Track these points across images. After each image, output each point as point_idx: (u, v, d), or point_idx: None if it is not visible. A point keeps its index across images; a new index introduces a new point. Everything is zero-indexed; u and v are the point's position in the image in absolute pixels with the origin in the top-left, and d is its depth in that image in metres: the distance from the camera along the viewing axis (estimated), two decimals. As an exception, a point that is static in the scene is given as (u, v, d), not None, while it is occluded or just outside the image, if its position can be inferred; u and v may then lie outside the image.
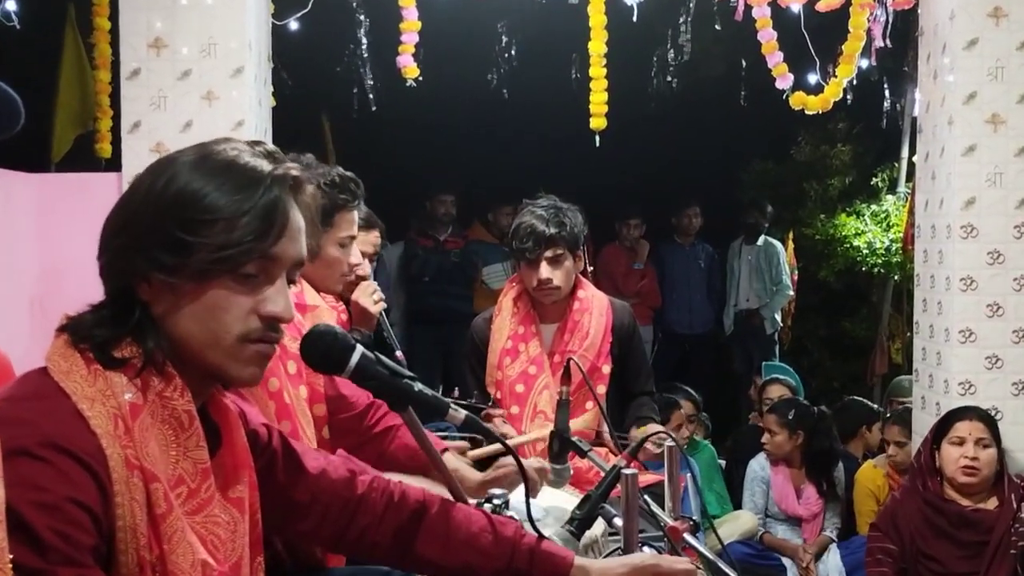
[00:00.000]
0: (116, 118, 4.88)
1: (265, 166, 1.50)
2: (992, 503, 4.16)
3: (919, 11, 5.13)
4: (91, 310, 1.48)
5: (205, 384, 1.53)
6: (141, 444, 1.37)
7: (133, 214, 1.47)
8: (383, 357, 1.74)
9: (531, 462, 2.67)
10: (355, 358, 1.70)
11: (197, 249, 1.42)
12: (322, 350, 1.71)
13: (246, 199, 1.45)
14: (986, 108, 4.66)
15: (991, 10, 4.63)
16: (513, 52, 8.22)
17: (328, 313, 2.92)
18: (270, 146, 1.56)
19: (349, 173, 2.96)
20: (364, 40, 6.53)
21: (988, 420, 4.26)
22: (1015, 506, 4.12)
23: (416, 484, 1.94)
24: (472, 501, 2.06)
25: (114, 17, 4.80)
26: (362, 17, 6.19)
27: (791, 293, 8.77)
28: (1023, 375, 4.64)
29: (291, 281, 1.55)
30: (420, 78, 5.44)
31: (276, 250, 1.48)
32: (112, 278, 1.48)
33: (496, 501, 2.08)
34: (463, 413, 1.79)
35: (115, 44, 4.81)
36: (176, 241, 1.42)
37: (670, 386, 6.28)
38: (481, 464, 2.97)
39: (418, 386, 1.74)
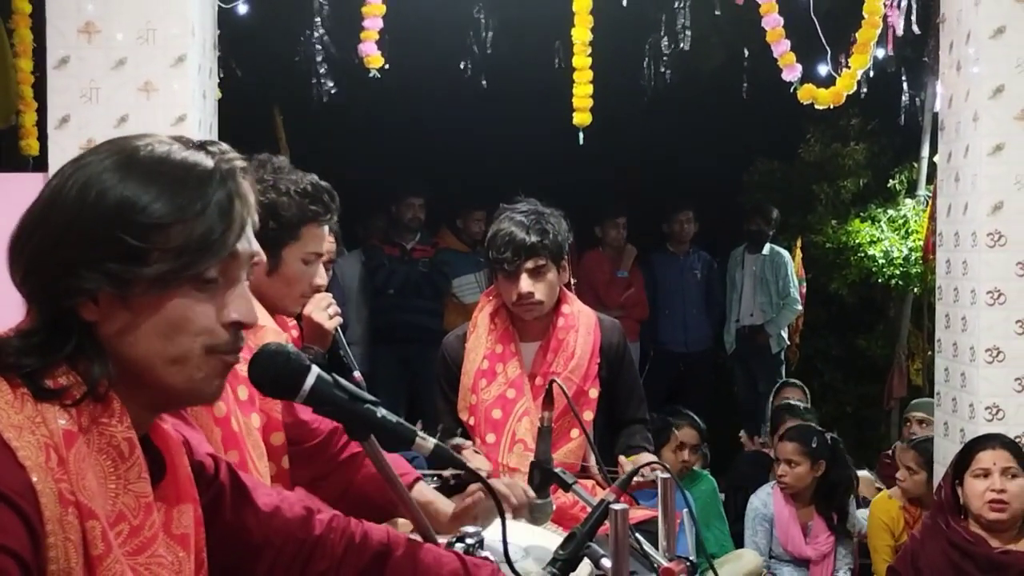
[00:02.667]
0: (42, 111, 4.85)
1: (206, 160, 1.49)
2: (1022, 543, 4.15)
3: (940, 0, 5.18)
4: (15, 335, 1.44)
5: (153, 409, 1.53)
6: (77, 476, 1.35)
7: (68, 226, 1.43)
8: (342, 380, 1.73)
9: (497, 483, 2.65)
10: (310, 381, 1.69)
11: (154, 256, 1.41)
12: (273, 373, 1.70)
13: (199, 196, 1.45)
14: (1015, 103, 4.70)
15: (1019, -4, 4.69)
16: (489, 38, 8.23)
17: (276, 335, 2.88)
18: (210, 143, 1.55)
19: (324, 183, 2.94)
20: (322, 26, 6.51)
21: (1014, 448, 4.23)
22: (1049, 545, 4.14)
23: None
24: (443, 540, 2.06)
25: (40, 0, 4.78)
26: (321, 0, 6.18)
27: (799, 308, 8.79)
28: (1056, 399, 4.69)
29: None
30: (385, 67, 5.44)
31: (238, 247, 1.49)
32: (45, 300, 1.44)
33: (469, 540, 2.08)
34: (432, 442, 1.79)
35: (41, 29, 4.79)
36: (129, 250, 1.40)
37: (672, 410, 6.29)
38: (450, 492, 2.96)
39: (381, 412, 1.73)
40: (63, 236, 1.42)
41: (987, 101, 4.72)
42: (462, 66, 8.45)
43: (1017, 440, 4.35)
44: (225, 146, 1.55)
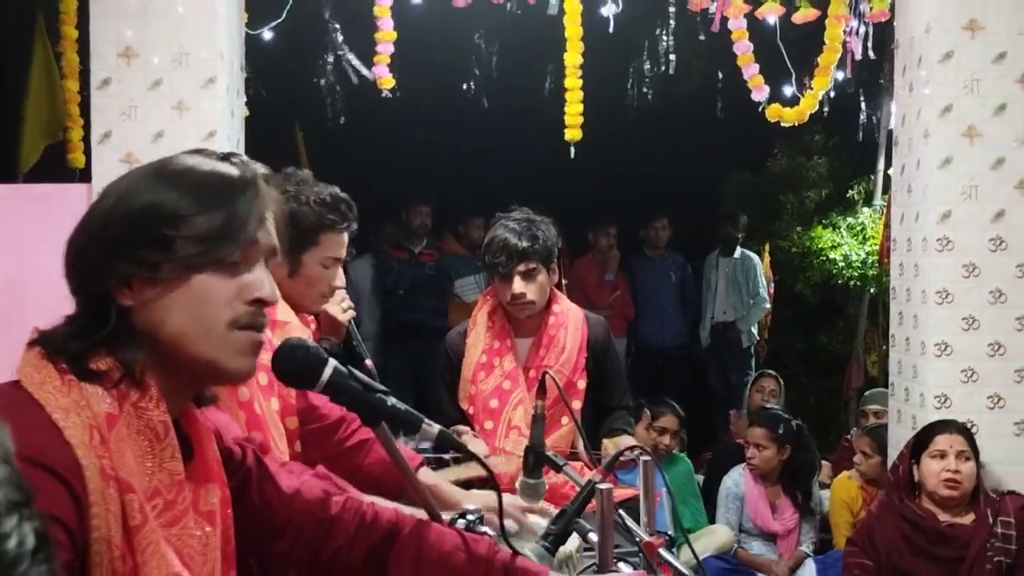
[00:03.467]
0: (87, 128, 4.86)
1: (229, 168, 1.54)
2: (969, 518, 4.18)
3: (895, 24, 5.17)
4: (64, 322, 1.47)
5: (187, 390, 1.54)
6: (117, 455, 1.37)
7: (106, 225, 1.47)
8: (356, 371, 1.73)
9: (512, 499, 2.66)
10: (327, 372, 1.69)
11: (179, 243, 1.45)
12: (294, 365, 1.70)
13: (222, 194, 1.49)
14: (962, 121, 4.70)
15: (966, 23, 4.67)
16: (493, 63, 8.25)
17: (299, 329, 2.90)
18: (235, 155, 1.59)
19: (343, 194, 2.96)
20: (339, 50, 6.52)
21: (967, 433, 4.28)
22: (991, 521, 4.14)
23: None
24: (446, 516, 2.06)
25: (84, 26, 4.78)
26: (337, 27, 6.18)
27: (768, 306, 8.82)
28: (998, 388, 4.68)
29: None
30: (395, 90, 5.44)
31: (258, 235, 1.51)
32: (87, 288, 1.48)
33: (470, 517, 2.09)
34: (437, 428, 1.79)
35: (85, 53, 4.80)
36: (157, 238, 1.44)
37: (655, 399, 6.31)
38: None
39: (391, 400, 1.73)
40: (102, 232, 1.46)
41: (936, 119, 4.72)
42: (465, 87, 8.48)
43: (969, 424, 4.38)
44: (246, 157, 1.58)
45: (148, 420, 1.43)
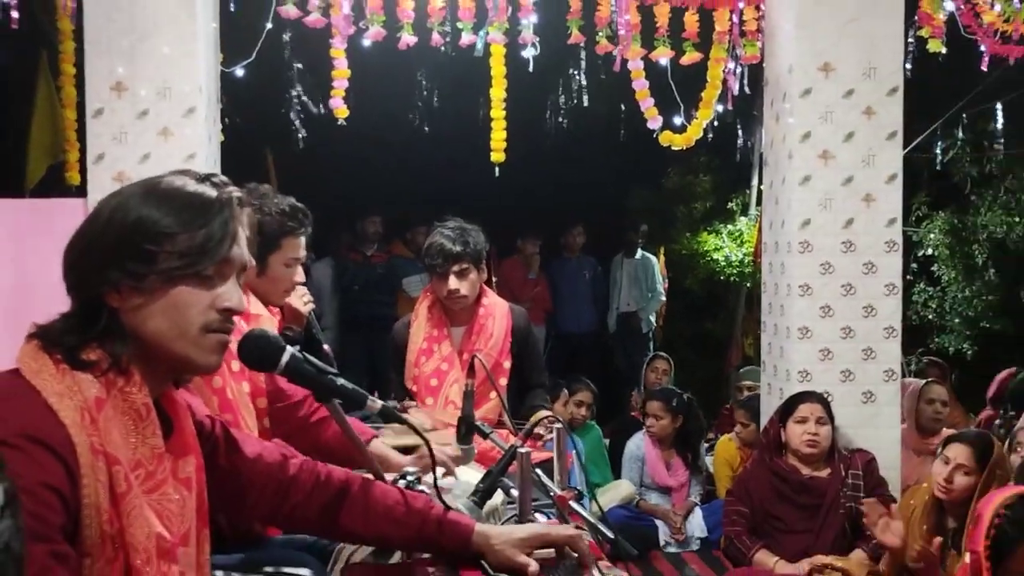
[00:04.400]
0: (83, 151, 4.77)
1: (210, 191, 1.51)
2: (825, 472, 4.22)
3: (764, 65, 5.22)
4: (60, 319, 1.46)
5: (165, 378, 1.52)
6: (105, 433, 1.36)
7: (95, 240, 1.46)
8: (310, 356, 1.72)
9: (448, 449, 2.66)
10: (285, 358, 1.68)
11: (162, 257, 1.43)
12: (257, 352, 1.69)
13: (202, 215, 1.47)
14: (818, 145, 4.77)
15: (821, 65, 4.75)
16: (434, 96, 8.25)
17: (269, 321, 2.89)
18: (215, 176, 1.57)
19: (300, 204, 2.94)
20: (299, 86, 6.47)
21: (824, 402, 4.33)
22: (843, 474, 4.21)
23: None
24: (389, 478, 2.05)
25: (81, 64, 4.68)
26: (299, 66, 6.12)
27: (663, 299, 8.90)
28: (849, 365, 4.76)
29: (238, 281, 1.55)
30: (349, 119, 5.40)
31: (231, 254, 1.50)
32: (81, 291, 1.47)
33: (410, 477, 2.07)
34: (380, 404, 1.78)
35: (81, 87, 4.70)
36: (144, 252, 1.43)
37: (572, 377, 6.34)
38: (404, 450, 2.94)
39: (340, 380, 1.72)
40: (97, 242, 1.46)
41: (798, 144, 4.78)
42: (410, 116, 8.46)
43: (826, 395, 4.41)
44: (226, 179, 1.57)
45: (132, 403, 1.42)
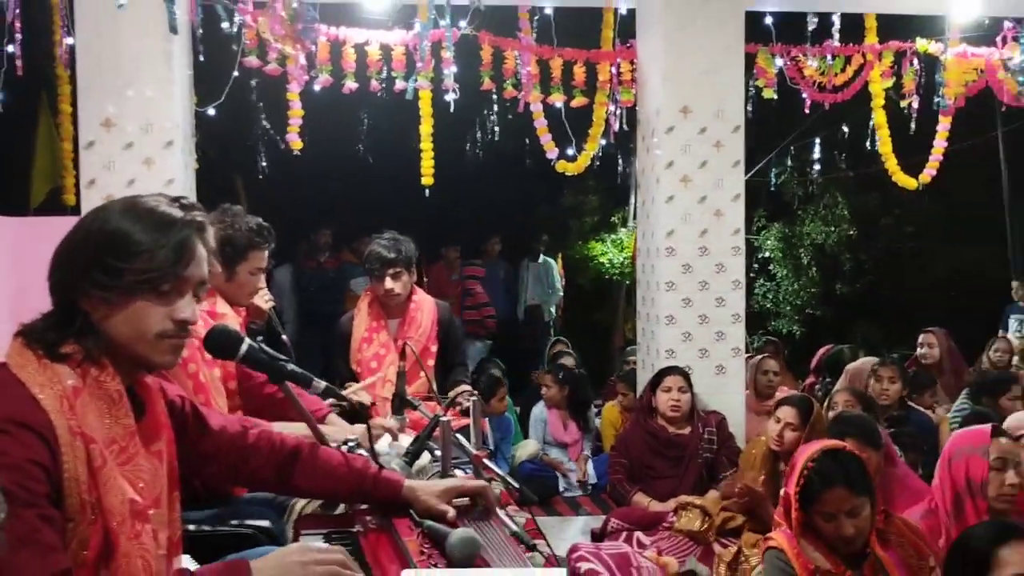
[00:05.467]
0: (78, 177, 4.59)
1: (177, 213, 1.45)
2: (687, 430, 4.27)
3: (637, 108, 5.29)
4: (41, 318, 1.40)
5: (132, 369, 1.46)
6: (82, 416, 1.31)
7: (76, 248, 1.40)
8: (265, 347, 1.68)
9: (388, 422, 2.62)
10: (244, 348, 1.64)
11: (126, 273, 1.37)
12: (219, 343, 1.65)
13: (164, 236, 1.41)
14: (679, 172, 4.84)
15: (681, 107, 4.82)
16: (376, 131, 8.15)
17: (233, 318, 2.81)
18: (185, 199, 1.50)
19: (265, 223, 2.88)
20: (264, 123, 6.32)
21: (685, 375, 4.37)
22: (701, 431, 4.27)
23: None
24: (333, 444, 2.01)
25: (76, 103, 4.51)
26: (262, 106, 5.98)
27: (561, 294, 8.94)
28: (705, 345, 4.84)
29: (197, 296, 1.48)
30: (304, 150, 5.30)
31: (186, 273, 1.43)
32: (60, 294, 1.41)
33: (351, 443, 2.04)
34: (323, 384, 1.75)
35: (76, 123, 4.52)
36: (110, 267, 1.37)
37: (487, 359, 6.31)
38: (350, 416, 2.89)
39: (290, 366, 1.69)
40: (77, 251, 1.40)
41: (664, 171, 4.85)
42: (356, 148, 8.35)
43: (687, 369, 4.48)
44: (195, 203, 1.51)
45: (106, 390, 1.37)
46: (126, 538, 1.33)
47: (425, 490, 1.81)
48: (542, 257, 8.79)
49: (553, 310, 8.88)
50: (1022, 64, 5.35)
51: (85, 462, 1.30)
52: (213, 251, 1.51)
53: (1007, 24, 5.52)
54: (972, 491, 2.55)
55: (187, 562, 1.75)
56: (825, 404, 4.22)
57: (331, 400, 2.73)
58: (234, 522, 2.19)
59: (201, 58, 4.78)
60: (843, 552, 2.35)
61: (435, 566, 1.54)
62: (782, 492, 2.52)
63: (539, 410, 5.65)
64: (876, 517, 2.39)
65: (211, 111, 5.13)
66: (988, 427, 2.65)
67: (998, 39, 5.53)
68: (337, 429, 2.58)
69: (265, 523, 2.21)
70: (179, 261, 1.42)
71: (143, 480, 1.40)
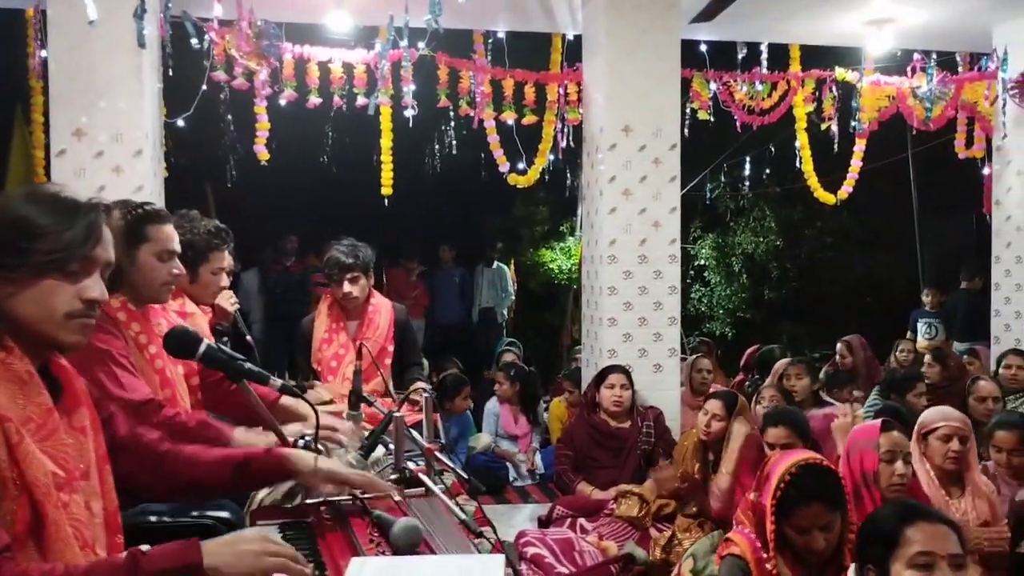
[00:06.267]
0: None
1: (80, 199, 1.40)
2: (627, 424, 4.29)
3: (583, 126, 5.31)
4: None
5: (41, 351, 1.39)
6: None
7: None
8: (223, 347, 1.64)
9: (343, 424, 2.57)
10: (202, 348, 1.60)
11: (33, 253, 1.32)
12: (178, 343, 1.60)
13: (71, 218, 1.36)
14: (621, 186, 4.87)
15: (623, 126, 4.85)
16: (341, 143, 8.04)
17: (202, 318, 2.75)
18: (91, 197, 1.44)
19: (222, 225, 2.82)
20: (233, 135, 6.19)
21: (626, 372, 4.38)
22: (640, 425, 4.29)
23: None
24: (291, 439, 1.97)
25: (48, 113, 4.37)
26: (231, 118, 5.86)
27: (513, 298, 8.91)
28: (644, 345, 4.87)
29: (104, 278, 1.42)
30: (271, 161, 5.22)
31: (94, 254, 1.38)
32: None
33: (307, 438, 2.00)
34: (280, 382, 1.72)
35: (48, 132, 4.39)
36: (17, 248, 1.31)
37: (444, 357, 6.27)
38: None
39: (247, 365, 1.65)
40: None
41: (607, 184, 4.87)
42: (320, 159, 8.24)
43: (628, 367, 4.50)
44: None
45: (15, 371, 1.31)
46: (53, 507, 1.28)
47: (307, 469, 1.72)
48: (496, 263, 8.77)
49: (505, 312, 8.86)
50: (929, 92, 5.51)
51: (3, 441, 1.25)
52: (118, 236, 1.44)
53: (916, 56, 5.69)
54: (867, 482, 2.60)
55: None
56: (754, 398, 4.30)
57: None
58: (194, 513, 2.13)
59: (171, 72, 4.68)
60: (810, 563, 2.23)
61: (383, 554, 1.52)
62: (751, 497, 2.35)
63: (492, 405, 5.64)
64: (848, 530, 2.25)
65: (180, 122, 5.03)
66: (879, 422, 2.69)
67: (908, 69, 5.69)
68: (297, 427, 2.54)
69: (225, 514, 2.16)
70: (87, 241, 1.37)
71: (67, 455, 1.34)
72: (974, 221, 8.62)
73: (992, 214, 5.73)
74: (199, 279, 2.76)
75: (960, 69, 5.92)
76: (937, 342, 6.79)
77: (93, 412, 1.47)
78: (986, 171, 5.97)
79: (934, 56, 5.71)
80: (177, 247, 2.34)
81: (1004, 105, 5.45)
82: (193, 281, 2.75)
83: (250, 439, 2.13)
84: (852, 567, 1.98)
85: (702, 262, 9.93)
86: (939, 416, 3.01)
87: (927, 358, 5.27)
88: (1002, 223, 5.61)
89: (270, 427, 1.86)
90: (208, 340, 1.62)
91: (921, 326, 7.22)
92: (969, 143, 6.16)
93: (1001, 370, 4.99)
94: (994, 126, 5.66)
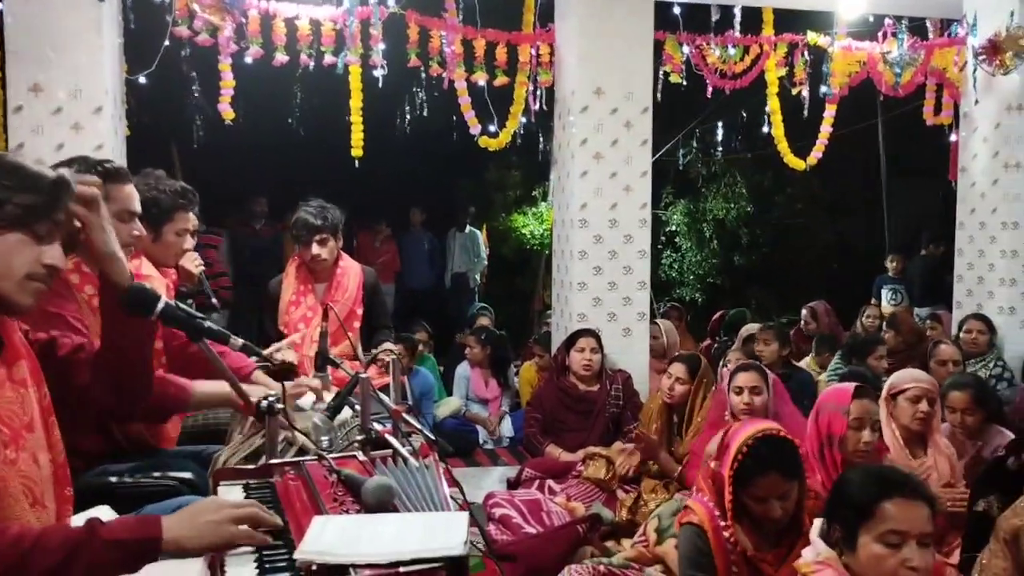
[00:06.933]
0: (7, 140, 4.31)
1: (47, 170, 1.41)
2: (596, 387, 4.33)
3: (555, 88, 5.26)
4: None
5: None
6: None
7: None
8: (183, 305, 1.61)
9: (313, 381, 2.55)
10: (160, 306, 1.56)
11: (8, 207, 1.32)
12: (135, 300, 1.56)
13: (38, 183, 1.37)
14: (592, 149, 4.86)
15: (595, 89, 4.83)
16: (309, 104, 7.90)
17: (159, 281, 2.69)
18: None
19: (188, 186, 2.75)
20: (197, 93, 6.02)
21: (596, 336, 4.43)
22: (608, 388, 4.33)
23: None
24: (254, 398, 1.95)
25: (4, 68, 4.23)
26: (195, 75, 5.70)
27: (486, 263, 8.91)
28: (613, 309, 4.90)
29: (68, 250, 1.43)
30: (238, 121, 5.10)
31: (60, 218, 1.39)
32: None
33: (271, 398, 1.98)
34: (241, 341, 1.69)
35: (4, 87, 4.25)
36: None
37: (414, 321, 6.25)
38: (277, 376, 2.80)
39: (207, 323, 1.62)
40: None
41: (579, 148, 4.86)
42: (289, 120, 8.11)
43: (597, 331, 4.53)
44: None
45: None
46: (0, 463, 1.27)
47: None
48: (468, 228, 8.74)
49: (478, 277, 8.86)
50: (899, 57, 5.52)
51: None
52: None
53: (888, 21, 5.68)
54: (831, 444, 2.66)
55: (107, 513, 1.68)
56: (721, 360, 4.36)
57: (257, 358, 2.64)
58: (156, 474, 2.12)
59: (132, 26, 4.54)
60: (768, 531, 2.26)
61: (347, 512, 1.52)
62: (712, 466, 2.36)
63: (463, 369, 5.66)
64: (805, 496, 2.28)
65: (142, 79, 4.89)
66: (852, 387, 2.75)
67: (879, 34, 5.69)
68: (261, 388, 2.51)
69: (187, 475, 2.14)
70: (57, 202, 1.37)
71: (11, 411, 1.33)
72: (941, 188, 8.73)
73: (957, 180, 5.80)
74: (161, 239, 2.70)
75: (930, 35, 5.93)
76: (902, 307, 6.91)
77: (34, 362, 1.45)
78: (953, 138, 6.03)
79: (905, 21, 5.72)
80: (138, 207, 2.27)
81: (974, 71, 5.48)
82: (155, 241, 2.69)
83: (209, 389, 2.12)
84: (815, 524, 2.02)
85: (674, 228, 9.97)
86: (909, 378, 3.08)
87: (884, 324, 5.37)
88: (967, 189, 5.68)
89: (235, 390, 1.83)
90: (168, 299, 1.58)
91: (886, 292, 7.34)
92: (938, 110, 6.20)
93: (962, 334, 5.10)
94: (962, 92, 5.71)
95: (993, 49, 5.11)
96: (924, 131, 6.41)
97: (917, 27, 5.92)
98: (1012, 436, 3.21)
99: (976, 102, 5.56)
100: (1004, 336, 5.31)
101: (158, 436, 2.41)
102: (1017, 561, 2.14)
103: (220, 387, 2.05)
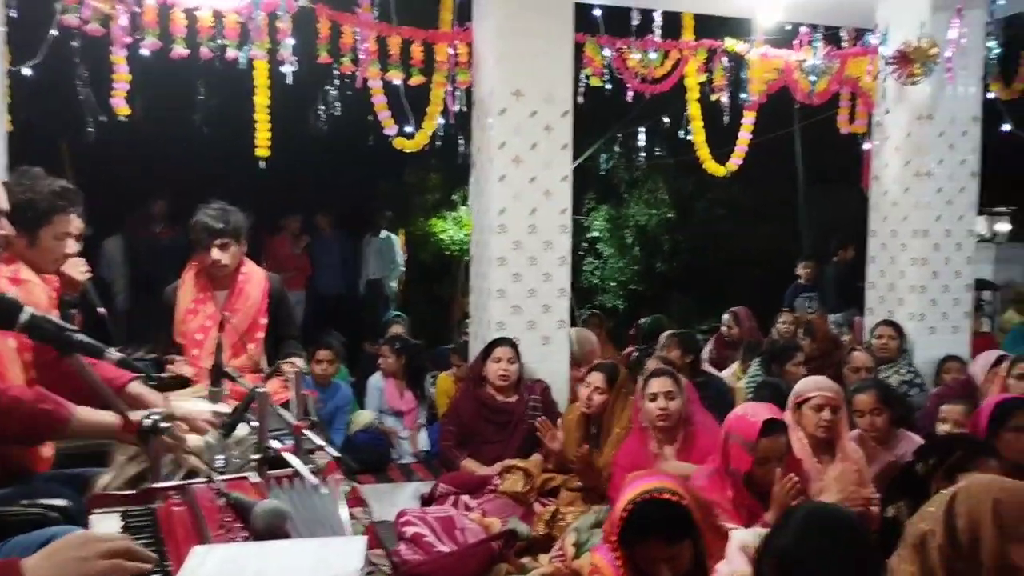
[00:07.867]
0: None
1: None
2: (514, 398, 4.32)
3: (473, 89, 5.24)
4: None
5: None
6: None
7: None
8: (50, 316, 1.50)
9: (200, 404, 2.43)
10: (24, 316, 1.46)
11: None
12: (-4, 311, 1.46)
13: None
14: (511, 152, 4.85)
15: (514, 90, 4.82)
16: (213, 101, 7.64)
17: (40, 287, 2.53)
18: None
19: (70, 185, 2.59)
20: (86, 86, 5.75)
21: (514, 345, 4.43)
22: (526, 399, 4.33)
23: None
24: (136, 417, 1.85)
25: None
26: (83, 66, 5.44)
27: (403, 269, 8.82)
28: (533, 317, 4.89)
29: None
30: (135, 118, 4.89)
31: None
32: None
33: (155, 417, 1.88)
34: (118, 355, 1.60)
35: None
36: None
37: (324, 332, 6.10)
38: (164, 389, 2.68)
39: (78, 336, 1.52)
40: None
41: (497, 151, 4.83)
42: (192, 117, 7.84)
43: (516, 340, 4.53)
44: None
45: None
46: None
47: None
48: (384, 232, 8.63)
49: (394, 284, 8.75)
50: (814, 67, 5.73)
51: None
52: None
53: (803, 30, 5.89)
54: (736, 474, 2.75)
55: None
56: (641, 366, 4.40)
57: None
58: (25, 502, 1.98)
59: (14, 14, 4.30)
60: None
61: (233, 540, 1.45)
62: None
63: (376, 379, 5.56)
64: (706, 554, 2.20)
65: (27, 71, 4.64)
66: (760, 423, 2.77)
67: (795, 43, 5.89)
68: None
69: (61, 502, 2.01)
70: None
71: None
72: (855, 196, 9.12)
73: (870, 189, 6.05)
74: (39, 243, 2.55)
75: (845, 44, 6.18)
76: (817, 314, 7.16)
77: None
78: (866, 146, 6.29)
79: (821, 30, 5.94)
80: (4, 205, 2.14)
81: (885, 80, 5.73)
82: (32, 246, 2.54)
83: (94, 418, 2.00)
84: (734, 536, 2.04)
85: (595, 234, 10.09)
86: (813, 386, 3.18)
87: (800, 332, 5.57)
88: (879, 197, 5.92)
89: (111, 406, 1.73)
90: (34, 309, 1.47)
91: (800, 302, 7.59)
92: (852, 119, 6.47)
93: (873, 340, 5.31)
94: (875, 102, 5.96)
95: (903, 59, 5.36)
96: (840, 140, 6.68)
97: (832, 36, 6.17)
98: (922, 441, 3.36)
99: (887, 111, 5.81)
100: (914, 342, 5.55)
101: (29, 458, 2.26)
102: (925, 566, 2.22)
103: (105, 417, 1.93)
